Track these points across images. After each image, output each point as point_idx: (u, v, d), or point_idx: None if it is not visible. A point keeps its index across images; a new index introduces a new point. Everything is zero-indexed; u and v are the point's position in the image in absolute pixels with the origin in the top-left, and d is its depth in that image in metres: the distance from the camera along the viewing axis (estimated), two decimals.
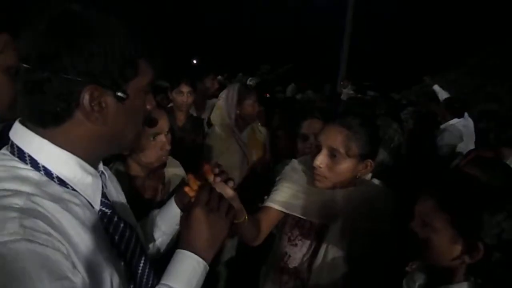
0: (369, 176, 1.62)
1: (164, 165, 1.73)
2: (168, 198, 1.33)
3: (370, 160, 1.51)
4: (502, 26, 10.26)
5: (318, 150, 1.50)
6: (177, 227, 1.27)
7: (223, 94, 2.88)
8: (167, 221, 1.26)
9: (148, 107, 0.92)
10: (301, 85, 9.04)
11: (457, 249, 1.07)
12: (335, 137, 1.46)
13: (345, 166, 1.47)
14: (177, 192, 1.29)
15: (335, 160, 1.47)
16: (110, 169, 1.60)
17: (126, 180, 1.62)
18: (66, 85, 0.75)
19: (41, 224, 0.72)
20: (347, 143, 1.44)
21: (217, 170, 1.20)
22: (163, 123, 1.62)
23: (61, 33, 0.75)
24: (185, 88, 3.15)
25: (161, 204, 1.36)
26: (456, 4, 11.83)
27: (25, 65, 0.76)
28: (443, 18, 12.13)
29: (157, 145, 1.61)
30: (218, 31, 14.80)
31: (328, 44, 12.72)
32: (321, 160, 1.48)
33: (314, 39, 14.55)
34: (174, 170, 1.84)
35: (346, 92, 8.57)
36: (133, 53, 0.82)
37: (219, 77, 6.67)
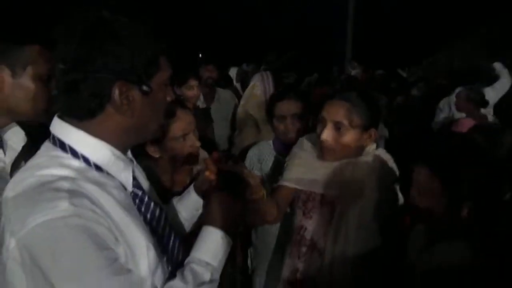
0: (373, 146, 1.70)
1: (195, 161, 1.75)
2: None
3: (373, 129, 1.60)
4: None
5: (323, 126, 1.58)
6: (197, 212, 1.37)
7: (257, 83, 2.87)
8: (187, 207, 1.37)
9: (168, 98, 1.02)
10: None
11: (450, 209, 1.16)
12: (337, 111, 1.55)
13: (350, 137, 1.56)
14: (196, 180, 1.39)
15: (340, 133, 1.55)
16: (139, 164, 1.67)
17: (155, 176, 1.66)
18: (99, 83, 0.87)
19: (87, 203, 0.83)
20: (349, 115, 1.53)
21: (224, 157, 1.30)
22: (190, 121, 1.67)
23: (94, 39, 0.86)
24: (193, 82, 3.23)
25: None
26: None
27: (62, 66, 0.87)
28: None
29: (187, 145, 1.65)
30: (221, 21, 14.73)
31: (333, 27, 12.59)
32: (327, 134, 1.56)
33: (319, 23, 14.39)
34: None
35: (355, 72, 8.49)
36: (155, 51, 0.93)
37: (244, 65, 6.69)
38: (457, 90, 4.49)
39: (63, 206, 0.79)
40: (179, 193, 1.72)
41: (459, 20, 10.87)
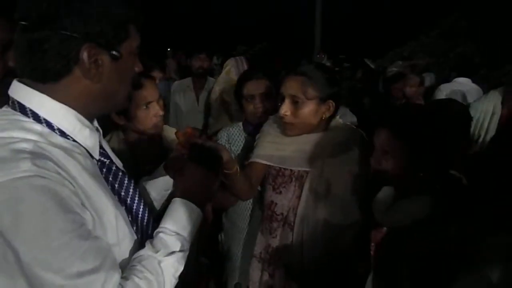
0: (340, 120, 1.74)
1: (159, 134, 1.79)
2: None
3: (331, 101, 1.62)
4: None
5: (282, 101, 1.62)
6: (166, 192, 1.36)
7: (232, 68, 2.85)
8: (156, 187, 1.34)
9: (136, 69, 0.99)
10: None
11: (411, 167, 1.22)
12: (292, 85, 1.60)
13: (307, 109, 1.59)
14: (167, 159, 1.38)
15: (297, 106, 1.59)
16: (109, 139, 1.69)
17: (126, 148, 1.70)
18: (66, 43, 0.82)
19: (50, 165, 0.79)
20: (304, 88, 1.57)
21: (198, 133, 1.30)
22: (154, 91, 1.68)
23: None
24: (157, 74, 3.22)
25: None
26: None
27: (24, 23, 0.82)
28: None
29: (151, 113, 1.67)
30: (190, 15, 14.54)
31: (301, 19, 12.66)
32: (285, 108, 1.60)
33: (286, 14, 14.43)
34: (172, 136, 1.89)
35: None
36: (125, 17, 0.90)
37: (214, 59, 6.76)
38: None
39: (25, 166, 0.75)
40: (149, 170, 1.74)
41: (422, 14, 11.19)
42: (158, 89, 1.72)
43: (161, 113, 1.70)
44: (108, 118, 1.61)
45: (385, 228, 1.39)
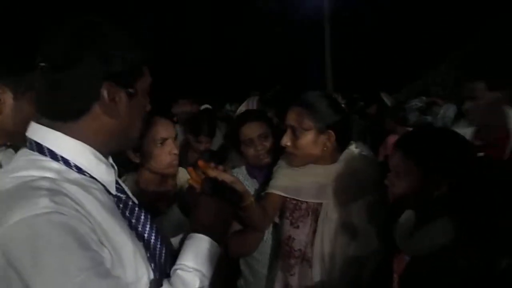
0: (352, 151, 1.70)
1: (174, 175, 1.81)
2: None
3: (330, 131, 1.59)
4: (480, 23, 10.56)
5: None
6: (181, 233, 1.31)
7: (242, 108, 2.87)
8: (172, 228, 1.32)
9: (146, 108, 1.03)
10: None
11: (424, 186, 1.22)
12: (291, 116, 1.62)
13: (305, 139, 1.59)
14: (180, 198, 1.39)
15: (296, 136, 1.60)
16: (124, 180, 1.68)
17: (139, 189, 1.70)
18: (87, 82, 0.88)
19: (68, 201, 0.80)
20: (300, 119, 1.59)
21: (212, 164, 1.31)
22: (170, 128, 1.72)
23: (84, 38, 0.88)
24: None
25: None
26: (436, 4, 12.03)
27: (47, 64, 0.87)
28: (422, 18, 12.34)
29: (165, 150, 1.69)
30: (200, 62, 14.93)
31: (311, 60, 12.91)
32: (285, 139, 1.62)
33: (296, 57, 14.71)
34: (186, 177, 1.88)
35: None
36: (140, 58, 0.96)
37: (227, 105, 6.98)
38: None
39: (44, 203, 0.76)
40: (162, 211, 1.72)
41: (435, 46, 11.29)
42: (175, 128, 1.75)
43: (176, 151, 1.71)
44: (125, 157, 1.64)
45: (406, 257, 1.32)
